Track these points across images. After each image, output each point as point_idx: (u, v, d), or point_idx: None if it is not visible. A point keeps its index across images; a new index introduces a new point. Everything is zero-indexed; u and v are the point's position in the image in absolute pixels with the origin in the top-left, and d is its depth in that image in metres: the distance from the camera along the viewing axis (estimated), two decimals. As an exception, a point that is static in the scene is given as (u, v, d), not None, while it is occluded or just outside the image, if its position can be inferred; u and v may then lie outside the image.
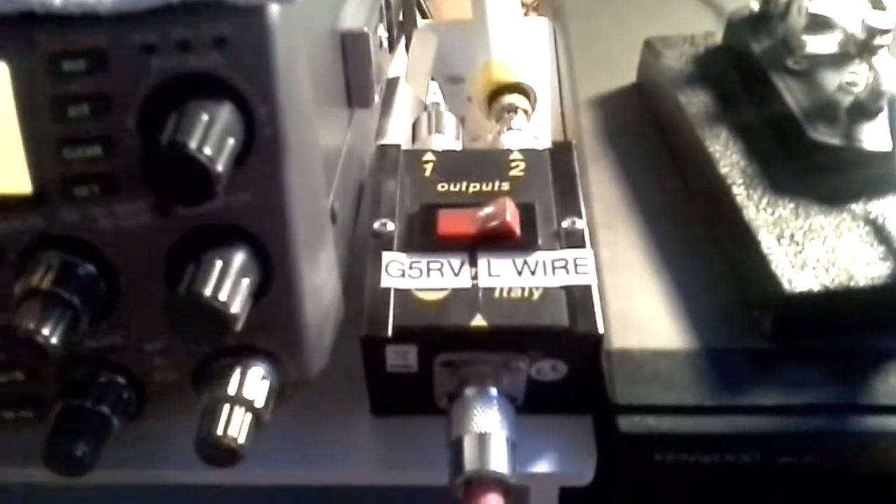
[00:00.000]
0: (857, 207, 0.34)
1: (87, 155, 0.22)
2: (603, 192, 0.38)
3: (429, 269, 0.31)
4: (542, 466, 0.31)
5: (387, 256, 0.31)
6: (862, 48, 0.36)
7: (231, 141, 0.21)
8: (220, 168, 0.20)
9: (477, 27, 0.46)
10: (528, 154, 0.35)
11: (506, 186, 0.34)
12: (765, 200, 0.34)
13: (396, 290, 0.30)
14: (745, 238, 0.33)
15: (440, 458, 0.29)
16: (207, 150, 0.20)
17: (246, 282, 0.23)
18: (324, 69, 0.27)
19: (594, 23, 0.49)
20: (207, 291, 0.21)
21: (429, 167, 0.35)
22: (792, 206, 0.34)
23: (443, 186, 0.34)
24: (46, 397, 0.26)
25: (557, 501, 0.34)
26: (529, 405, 0.31)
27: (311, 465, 0.31)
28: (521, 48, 0.44)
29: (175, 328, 0.22)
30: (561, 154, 0.35)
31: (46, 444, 0.24)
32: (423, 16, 0.55)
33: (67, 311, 0.22)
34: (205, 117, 0.20)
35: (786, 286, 0.31)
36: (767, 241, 0.33)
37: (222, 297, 0.22)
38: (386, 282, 0.30)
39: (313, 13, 0.25)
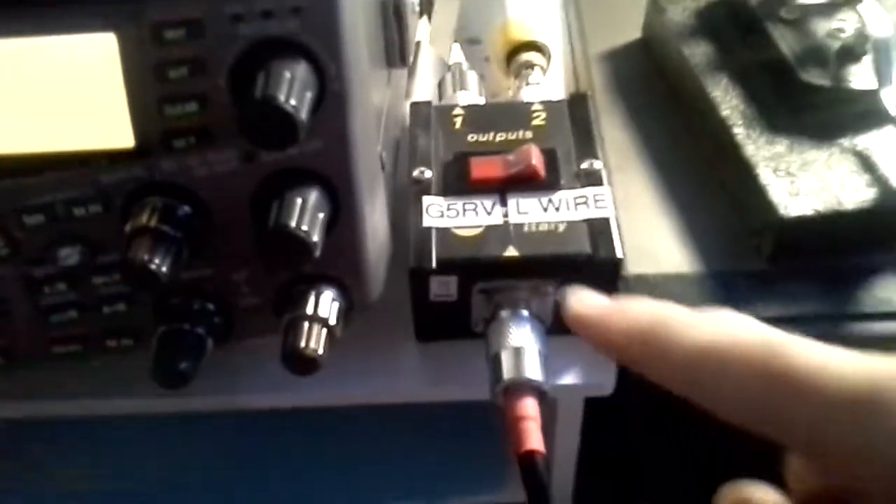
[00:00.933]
0: (846, 142, 0.38)
1: (185, 111, 0.26)
2: (615, 139, 0.42)
3: (464, 210, 0.35)
4: (569, 379, 0.35)
5: (427, 200, 0.35)
6: (848, -3, 0.39)
7: (308, 94, 0.25)
8: (303, 116, 0.24)
9: (492, -11, 0.49)
10: (548, 105, 0.39)
11: (529, 135, 0.37)
12: (762, 139, 0.38)
13: (437, 229, 0.34)
14: (745, 173, 0.37)
15: (478, 376, 0.33)
16: (293, 101, 0.24)
17: (321, 216, 0.27)
18: (370, 33, 0.31)
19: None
20: (293, 223, 0.25)
21: (458, 120, 0.39)
22: (787, 142, 0.38)
23: (472, 137, 0.38)
24: (144, 327, 0.30)
25: (582, 412, 0.38)
26: (556, 327, 0.35)
27: (366, 387, 0.36)
28: (535, 8, 0.47)
29: (264, 257, 0.26)
30: (577, 104, 0.39)
31: (154, 362, 0.28)
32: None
33: (172, 245, 0.26)
34: (287, 75, 0.24)
35: (782, 212, 0.35)
36: (765, 175, 0.36)
37: (304, 227, 0.26)
38: (427, 222, 0.34)
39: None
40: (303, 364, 0.27)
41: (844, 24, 0.40)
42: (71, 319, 0.29)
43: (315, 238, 0.26)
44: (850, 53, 0.39)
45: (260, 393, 0.35)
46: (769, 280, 0.36)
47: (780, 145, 0.38)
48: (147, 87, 0.25)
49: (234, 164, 0.27)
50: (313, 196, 0.27)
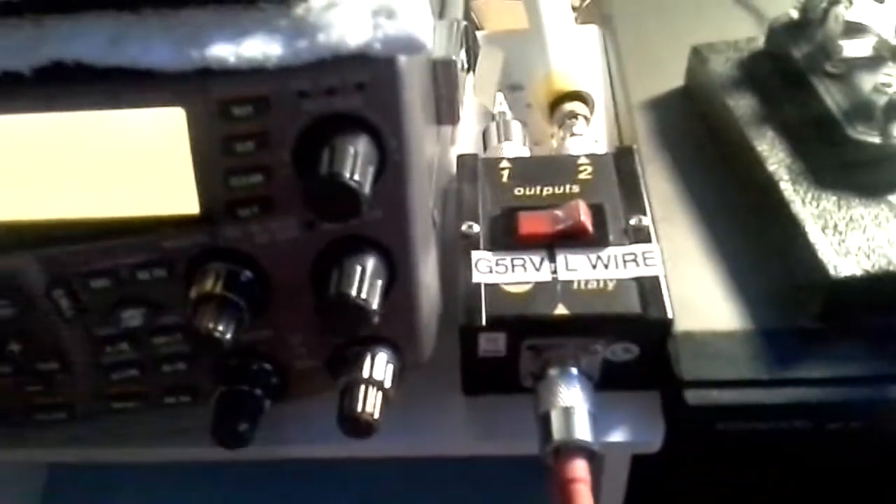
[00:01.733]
0: (895, 199, 0.38)
1: (250, 182, 0.26)
2: (659, 190, 0.42)
3: (513, 266, 0.35)
4: (617, 436, 0.35)
5: (475, 255, 0.36)
6: (894, 51, 0.39)
7: (371, 168, 0.25)
8: (367, 191, 0.25)
9: (534, 38, 0.49)
10: (594, 158, 0.39)
11: (576, 189, 0.38)
12: (810, 195, 0.38)
13: (486, 285, 0.34)
14: (793, 229, 0.37)
15: (525, 430, 0.34)
16: (357, 177, 0.24)
17: (379, 283, 0.27)
18: (424, 95, 0.31)
19: (641, 29, 0.52)
20: (353, 292, 0.26)
21: (505, 173, 0.39)
22: (835, 198, 0.38)
23: (519, 191, 0.38)
24: (202, 384, 0.30)
25: (629, 468, 0.38)
26: (604, 383, 0.35)
27: (414, 439, 0.36)
28: (577, 56, 0.48)
29: (324, 322, 0.27)
30: (623, 157, 0.39)
31: (214, 422, 0.29)
32: (476, 28, 0.59)
33: (235, 311, 0.27)
34: (351, 150, 0.25)
35: (831, 272, 0.35)
36: (814, 232, 0.36)
37: (364, 295, 0.26)
38: (477, 277, 0.35)
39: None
40: (359, 428, 0.28)
41: (891, 78, 0.40)
42: (131, 377, 0.30)
43: (374, 306, 0.26)
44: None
45: (311, 444, 0.35)
46: (817, 339, 0.36)
47: (828, 202, 0.38)
48: (214, 158, 0.26)
49: (295, 233, 0.27)
50: (372, 263, 0.27)
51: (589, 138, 0.43)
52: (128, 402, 0.31)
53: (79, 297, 0.28)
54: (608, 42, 0.53)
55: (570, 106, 0.45)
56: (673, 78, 0.49)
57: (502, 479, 0.42)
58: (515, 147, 0.43)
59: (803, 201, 0.38)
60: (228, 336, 0.26)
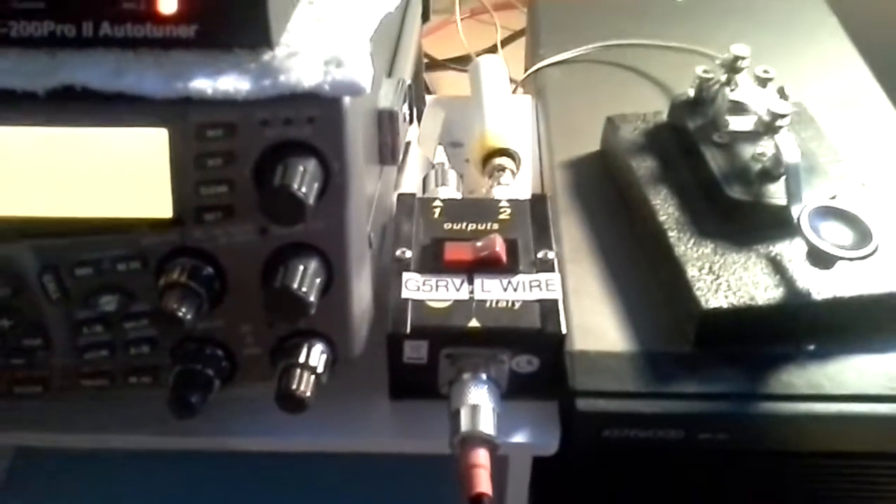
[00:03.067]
0: (762, 248, 0.45)
1: (217, 192, 0.32)
2: (571, 235, 0.49)
3: (437, 286, 0.41)
4: (519, 438, 0.41)
5: (406, 276, 0.42)
6: (768, 128, 0.47)
7: (316, 184, 0.31)
8: (310, 202, 0.31)
9: (474, 103, 0.57)
10: (513, 203, 0.46)
11: (496, 226, 0.44)
12: (692, 242, 0.45)
13: (413, 301, 0.40)
14: (676, 270, 0.44)
15: (441, 432, 0.39)
16: (304, 189, 0.30)
17: (317, 281, 0.33)
18: (368, 136, 0.38)
19: (568, 101, 0.60)
20: (294, 285, 0.32)
21: (437, 211, 0.45)
22: (713, 246, 0.45)
23: (448, 225, 0.44)
24: (161, 368, 0.36)
25: (531, 471, 0.44)
26: (510, 392, 0.41)
27: (344, 437, 0.41)
28: (509, 120, 0.55)
29: (269, 311, 0.32)
30: (538, 203, 0.46)
31: (170, 394, 0.34)
32: (427, 91, 0.66)
33: (196, 298, 0.32)
34: (301, 168, 0.31)
35: (703, 304, 0.41)
36: (692, 272, 0.43)
37: (304, 288, 0.32)
38: (405, 294, 0.41)
39: (365, 98, 0.36)
40: (293, 404, 0.33)
41: (765, 149, 0.47)
42: (102, 357, 0.35)
43: (312, 298, 0.32)
44: (769, 175, 0.46)
45: (252, 437, 0.40)
46: (694, 362, 0.42)
47: (707, 248, 0.45)
48: (188, 172, 0.32)
49: (251, 237, 0.33)
50: (312, 265, 0.33)
51: (513, 188, 0.50)
52: (96, 381, 0.36)
53: (64, 283, 0.33)
54: (539, 110, 0.61)
55: (499, 160, 0.51)
56: (592, 143, 0.56)
57: (421, 475, 0.47)
58: (450, 192, 0.50)
59: (686, 247, 0.45)
60: (189, 317, 0.31)
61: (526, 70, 0.70)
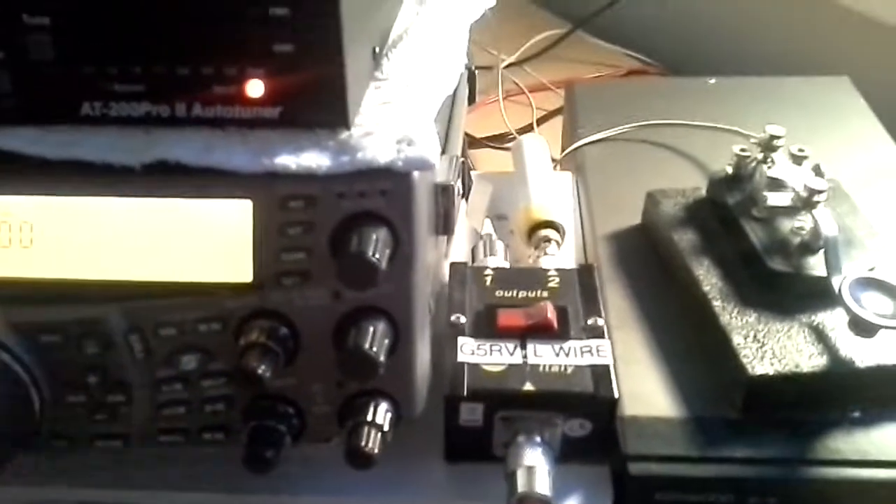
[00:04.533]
0: (804, 317, 0.46)
1: (295, 259, 0.35)
2: (616, 304, 0.51)
3: (491, 350, 0.43)
4: (572, 502, 0.42)
5: (461, 340, 0.43)
6: (806, 203, 0.49)
7: (387, 252, 0.34)
8: (382, 267, 0.33)
9: (518, 178, 0.60)
10: (561, 272, 0.48)
11: (545, 294, 0.46)
12: (736, 311, 0.47)
13: (468, 364, 0.42)
14: (722, 338, 0.45)
15: (495, 493, 0.40)
16: (377, 256, 0.33)
17: (386, 342, 0.35)
18: (428, 208, 0.40)
19: (608, 177, 0.63)
20: (366, 345, 0.34)
21: (488, 279, 0.48)
22: (756, 315, 0.46)
23: (499, 293, 0.47)
24: (234, 425, 0.37)
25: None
26: (563, 456, 0.42)
27: (402, 496, 0.42)
28: (552, 194, 0.57)
29: (341, 370, 0.34)
30: (585, 273, 0.48)
31: (246, 448, 0.35)
32: (471, 168, 0.69)
33: (274, 357, 0.34)
34: (374, 237, 0.33)
35: (750, 371, 0.43)
36: (738, 340, 0.45)
37: (374, 349, 0.34)
38: (461, 357, 0.42)
39: (427, 174, 0.38)
40: (362, 460, 0.35)
41: (803, 223, 0.49)
42: (179, 414, 0.37)
43: (381, 358, 0.34)
44: (808, 248, 0.48)
45: (313, 495, 0.41)
46: (741, 427, 0.43)
47: (751, 317, 0.46)
48: (270, 240, 0.34)
49: (325, 300, 0.35)
50: (381, 327, 0.35)
51: (559, 258, 0.52)
52: (172, 436, 0.37)
53: (149, 343, 0.35)
54: (580, 186, 0.64)
55: (544, 232, 0.54)
56: (632, 217, 0.58)
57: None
58: (498, 261, 0.52)
59: (730, 316, 0.46)
60: (268, 375, 0.33)
61: (563, 148, 0.73)
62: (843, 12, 0.85)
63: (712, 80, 0.75)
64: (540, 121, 0.93)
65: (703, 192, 0.56)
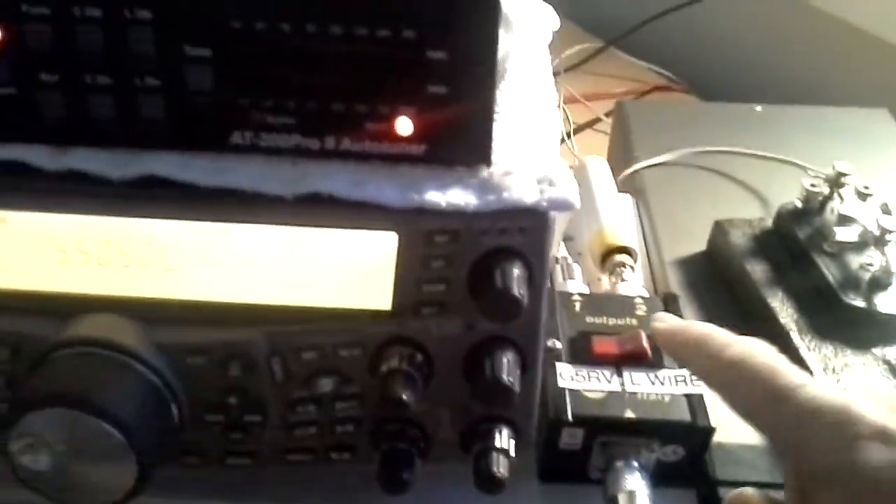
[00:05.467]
0: (878, 351, 0.48)
1: (435, 290, 0.36)
2: (691, 331, 0.53)
3: (589, 377, 0.45)
4: (666, 524, 0.44)
5: (559, 366, 0.45)
6: (877, 240, 0.52)
7: (525, 287, 0.35)
8: (525, 303, 0.35)
9: (585, 200, 0.61)
10: (647, 300, 0.50)
11: (634, 322, 0.48)
12: (813, 343, 0.49)
13: (570, 390, 0.44)
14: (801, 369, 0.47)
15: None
16: (521, 292, 0.34)
17: (517, 373, 0.37)
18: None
19: (668, 202, 0.65)
20: (504, 376, 0.35)
21: (577, 304, 0.49)
22: (832, 348, 0.49)
23: (590, 319, 0.48)
24: (360, 445, 0.39)
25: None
26: (656, 480, 0.44)
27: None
28: (622, 218, 0.59)
29: (478, 399, 0.36)
30: (671, 301, 0.50)
31: (382, 469, 0.37)
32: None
33: (415, 383, 0.36)
34: (516, 273, 0.35)
35: (833, 402, 0.45)
36: (816, 372, 0.47)
37: (511, 379, 0.36)
38: (561, 383, 0.44)
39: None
40: (493, 485, 0.37)
41: (872, 259, 0.52)
42: (310, 434, 0.38)
43: (517, 389, 0.36)
44: (878, 283, 0.51)
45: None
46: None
47: (827, 350, 0.48)
48: (412, 271, 0.36)
49: (458, 329, 0.37)
50: (513, 357, 0.37)
51: (636, 284, 0.54)
52: (301, 455, 0.39)
53: (289, 365, 0.37)
54: (641, 209, 0.66)
55: (619, 257, 0.56)
56: (695, 244, 0.60)
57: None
58: (577, 285, 0.54)
59: (808, 348, 0.49)
60: (412, 401, 0.35)
61: (613, 167, 0.75)
62: (874, 42, 0.88)
63: (759, 108, 0.77)
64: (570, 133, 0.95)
65: (769, 223, 0.58)
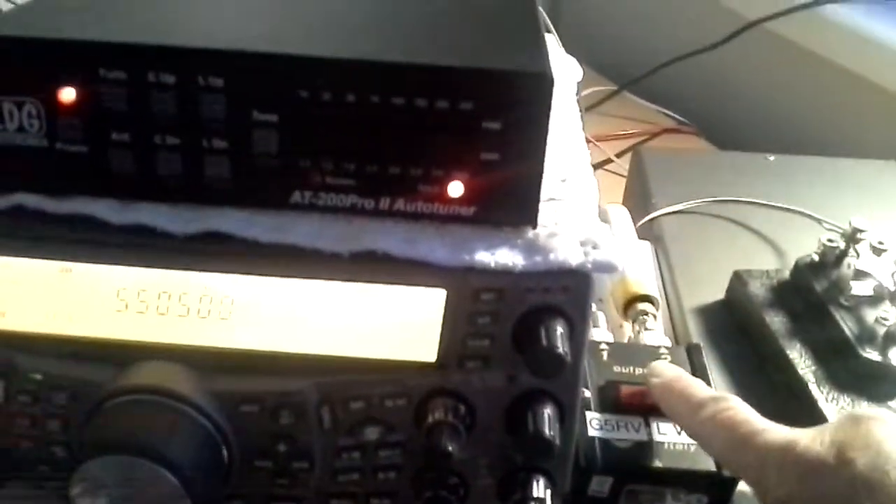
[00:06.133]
0: (893, 404, 0.50)
1: (480, 345, 0.38)
2: (712, 380, 0.54)
3: (618, 426, 0.46)
4: (688, 569, 0.45)
5: (589, 414, 0.47)
6: (891, 294, 0.53)
7: (567, 343, 0.37)
8: (569, 360, 0.36)
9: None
10: (672, 349, 0.52)
11: (661, 372, 0.50)
12: (831, 395, 0.50)
13: (599, 439, 0.45)
14: (818, 419, 0.49)
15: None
16: (566, 349, 0.36)
17: (557, 426, 0.38)
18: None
19: (686, 250, 0.67)
20: (546, 430, 0.37)
21: (604, 353, 0.51)
22: (849, 399, 0.50)
23: (617, 368, 0.50)
24: (400, 492, 0.40)
25: None
26: (681, 527, 0.46)
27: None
28: (642, 266, 0.61)
29: (519, 452, 0.37)
30: (694, 351, 0.52)
31: (424, 519, 0.38)
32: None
33: (458, 435, 0.37)
34: (560, 331, 0.37)
35: (852, 455, 0.47)
36: (836, 423, 0.48)
37: (552, 433, 0.37)
38: (591, 432, 0.46)
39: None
40: (532, 539, 0.38)
41: (888, 314, 0.53)
42: (353, 480, 0.40)
43: (557, 442, 0.37)
44: (893, 338, 0.52)
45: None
46: None
47: (844, 401, 0.50)
48: (459, 326, 0.38)
49: (501, 383, 0.39)
50: (553, 411, 0.38)
51: (659, 332, 0.56)
52: (343, 500, 0.40)
53: (337, 414, 0.38)
54: (659, 256, 0.67)
55: (642, 305, 0.57)
56: (713, 293, 0.62)
57: None
58: (602, 333, 0.56)
59: (826, 399, 0.50)
60: (456, 453, 0.37)
61: (630, 213, 0.77)
62: (885, 94, 0.91)
63: (771, 157, 0.80)
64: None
65: (787, 274, 0.60)
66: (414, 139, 0.36)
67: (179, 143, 0.36)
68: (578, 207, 0.41)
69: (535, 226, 0.38)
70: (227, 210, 0.37)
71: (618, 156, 1.03)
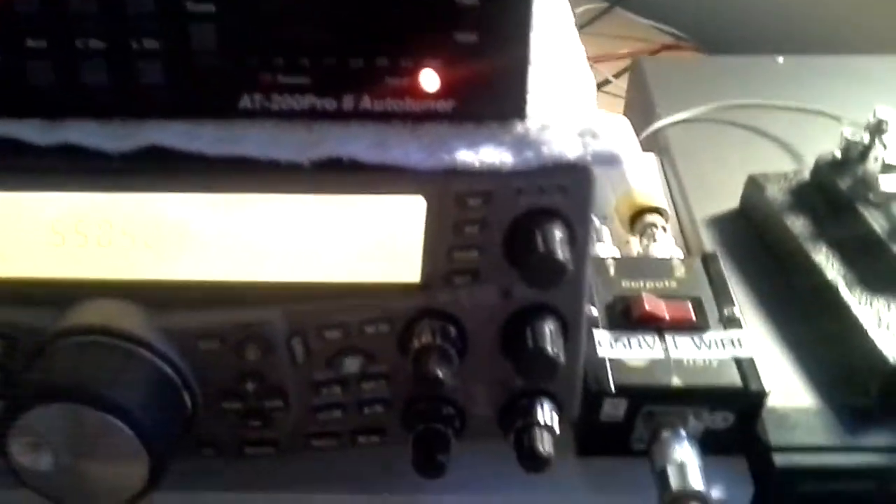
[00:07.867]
0: (931, 304, 0.46)
1: (468, 257, 0.33)
2: (731, 291, 0.50)
3: (630, 344, 0.42)
4: (714, 494, 0.41)
5: (597, 333, 0.42)
6: (925, 189, 0.49)
7: (567, 249, 0.32)
8: (570, 267, 0.32)
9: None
10: (685, 261, 0.47)
11: (674, 284, 0.45)
12: (864, 298, 0.46)
13: (610, 359, 0.41)
14: (854, 327, 0.45)
15: (632, 487, 0.40)
16: (566, 255, 0.31)
17: (561, 342, 0.34)
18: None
19: (695, 160, 0.61)
20: (548, 347, 0.33)
21: (611, 268, 0.46)
22: (884, 301, 0.46)
23: (625, 283, 0.45)
24: (389, 427, 0.36)
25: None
26: (704, 448, 0.41)
27: (537, 492, 0.41)
28: (649, 178, 0.56)
29: (520, 373, 0.33)
30: (711, 262, 0.47)
31: (417, 453, 0.34)
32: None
33: (450, 359, 0.33)
34: (559, 236, 0.32)
35: (891, 360, 0.42)
36: (871, 329, 0.44)
37: (556, 350, 0.33)
38: (601, 353, 0.41)
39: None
40: (539, 463, 0.34)
41: (920, 209, 0.49)
42: (335, 418, 0.36)
43: (562, 360, 0.33)
44: (926, 234, 0.48)
45: (450, 494, 0.40)
46: (877, 415, 0.43)
47: (879, 304, 0.45)
48: (443, 238, 0.33)
49: (494, 299, 0.34)
50: (555, 326, 0.34)
51: (670, 244, 0.51)
52: (325, 441, 0.36)
53: (310, 346, 0.34)
54: (666, 168, 0.62)
55: (650, 218, 0.53)
56: (726, 201, 0.57)
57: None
58: (607, 248, 0.51)
59: (859, 303, 0.46)
60: (449, 378, 0.32)
61: (633, 124, 0.72)
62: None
63: (780, 59, 0.74)
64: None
65: (806, 175, 0.55)
66: (377, 22, 0.31)
67: (105, 46, 0.31)
68: (576, 98, 0.36)
69: (524, 118, 0.33)
70: (166, 122, 0.32)
71: (616, 76, 0.98)
